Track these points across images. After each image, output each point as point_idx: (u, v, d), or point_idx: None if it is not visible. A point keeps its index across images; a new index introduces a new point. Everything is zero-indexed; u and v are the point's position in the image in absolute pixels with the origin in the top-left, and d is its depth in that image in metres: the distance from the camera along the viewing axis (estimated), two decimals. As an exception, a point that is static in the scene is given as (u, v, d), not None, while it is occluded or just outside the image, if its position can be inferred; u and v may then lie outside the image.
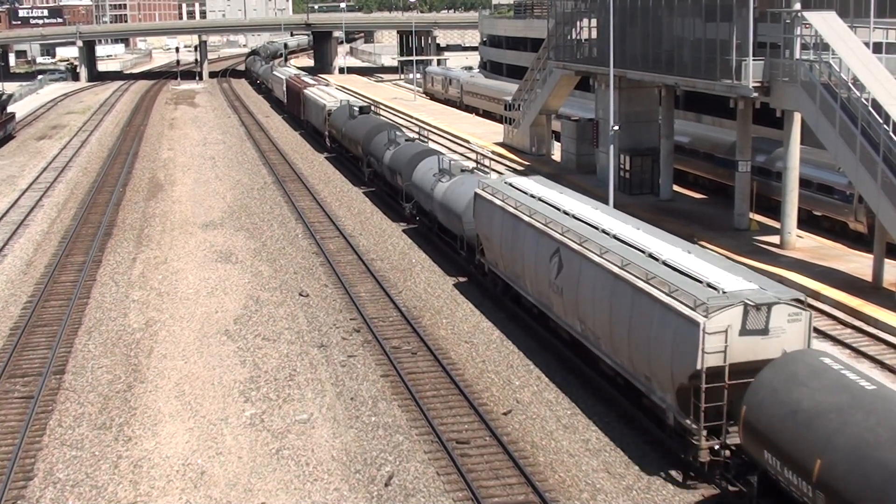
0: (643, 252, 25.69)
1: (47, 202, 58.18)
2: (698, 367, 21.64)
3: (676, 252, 25.57)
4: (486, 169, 45.55)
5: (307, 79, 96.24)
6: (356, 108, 66.12)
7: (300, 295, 37.92)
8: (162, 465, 24.34)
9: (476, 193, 36.27)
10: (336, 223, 49.84)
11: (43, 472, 24.08)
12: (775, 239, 41.73)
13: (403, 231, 48.16)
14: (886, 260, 35.87)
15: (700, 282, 23.02)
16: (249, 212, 53.75)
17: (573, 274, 27.68)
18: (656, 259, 25.06)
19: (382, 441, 25.34)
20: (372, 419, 26.66)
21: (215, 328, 34.44)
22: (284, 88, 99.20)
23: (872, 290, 35.36)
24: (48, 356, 31.57)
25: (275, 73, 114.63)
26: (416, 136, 56.89)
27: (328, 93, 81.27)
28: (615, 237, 27.31)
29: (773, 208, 44.29)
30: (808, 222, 43.74)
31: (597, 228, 28.25)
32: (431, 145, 58.94)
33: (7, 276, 41.70)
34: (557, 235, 28.88)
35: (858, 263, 38.45)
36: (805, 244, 41.51)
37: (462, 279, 39.33)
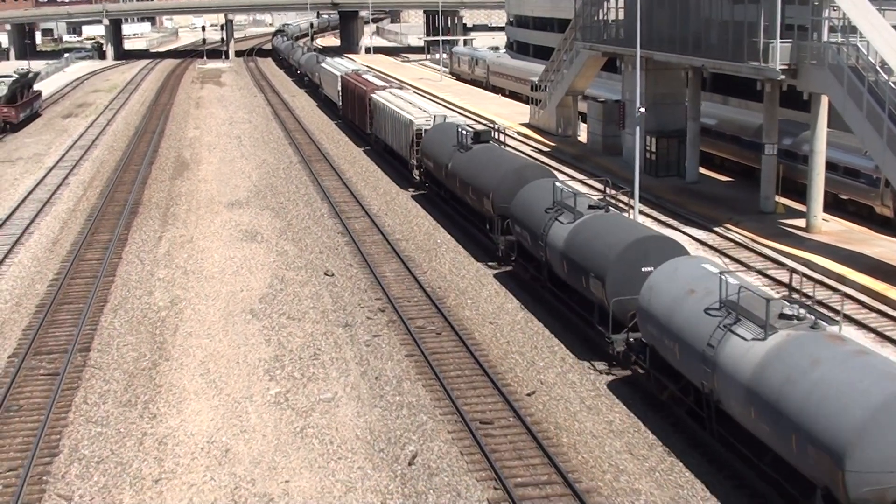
0: None
1: (73, 180, 58.48)
2: None
3: None
4: (833, 316, 25.23)
5: (371, 77, 72.64)
6: (469, 134, 42.71)
7: (325, 274, 38.02)
8: (186, 443, 24.51)
9: None
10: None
11: (68, 448, 24.28)
12: (801, 222, 41.50)
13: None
14: (914, 244, 35.63)
15: None
16: (275, 191, 53.85)
17: None
18: None
19: (406, 420, 25.42)
20: (396, 399, 26.74)
21: (240, 307, 34.59)
22: (339, 87, 77.92)
23: (899, 274, 35.17)
24: (74, 333, 31.79)
25: (324, 65, 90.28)
26: (602, 194, 35.12)
27: (410, 101, 57.59)
28: None
29: (800, 191, 44.02)
30: (834, 206, 43.48)
31: None
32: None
33: (33, 254, 42.00)
34: None
35: (884, 247, 38.19)
36: (831, 228, 41.26)
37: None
